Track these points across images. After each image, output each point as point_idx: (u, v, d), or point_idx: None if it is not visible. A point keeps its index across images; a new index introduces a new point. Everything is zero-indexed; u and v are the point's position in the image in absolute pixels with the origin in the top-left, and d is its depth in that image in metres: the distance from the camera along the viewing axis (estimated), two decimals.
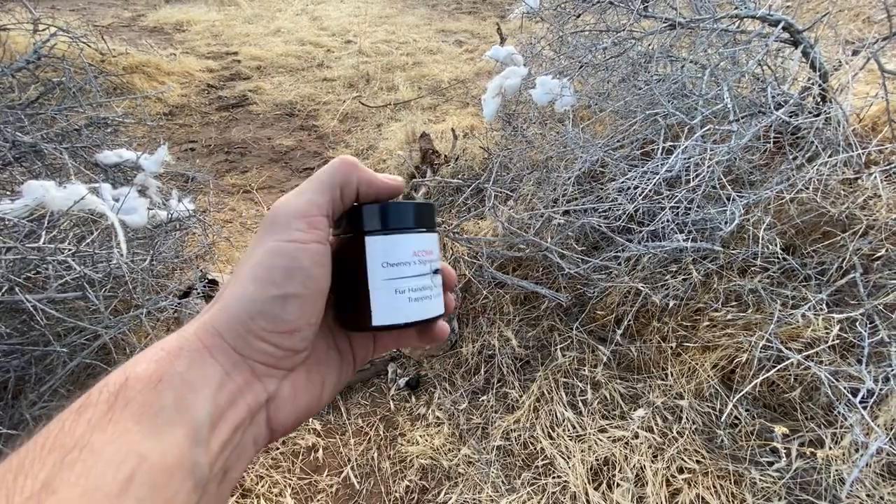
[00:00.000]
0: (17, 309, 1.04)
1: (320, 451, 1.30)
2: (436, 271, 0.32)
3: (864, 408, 1.01)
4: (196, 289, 1.43)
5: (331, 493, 1.21)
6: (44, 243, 0.92)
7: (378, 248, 0.30)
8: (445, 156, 2.39)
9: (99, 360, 1.09)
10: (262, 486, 1.20)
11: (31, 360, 1.05)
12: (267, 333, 0.25)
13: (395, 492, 1.20)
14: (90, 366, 1.10)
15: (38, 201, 0.83)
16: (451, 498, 1.16)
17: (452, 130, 2.55)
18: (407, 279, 0.30)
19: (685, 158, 1.15)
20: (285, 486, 1.21)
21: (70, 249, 0.94)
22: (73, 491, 0.18)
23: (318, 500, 1.20)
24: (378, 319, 0.29)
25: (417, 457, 1.26)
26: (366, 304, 0.29)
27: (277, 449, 1.30)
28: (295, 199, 0.27)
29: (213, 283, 1.52)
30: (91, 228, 1.12)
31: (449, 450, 1.27)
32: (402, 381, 1.46)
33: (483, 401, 1.36)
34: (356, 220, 0.30)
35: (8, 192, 1.13)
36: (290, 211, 0.26)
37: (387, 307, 0.29)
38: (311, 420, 1.37)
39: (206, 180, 2.33)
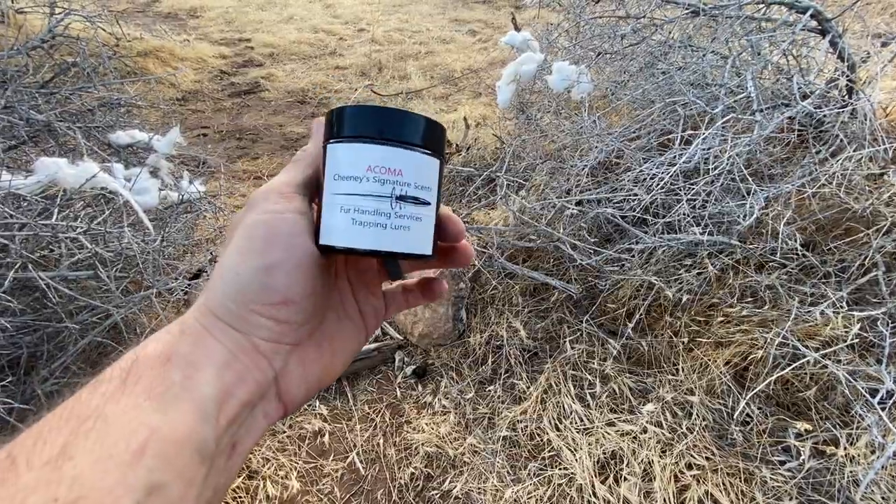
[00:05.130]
0: (31, 286, 1.04)
1: (326, 436, 1.30)
2: (413, 199, 0.27)
3: (883, 409, 0.98)
4: (206, 271, 1.43)
5: (336, 477, 1.22)
6: (56, 221, 0.92)
7: (331, 158, 0.27)
8: (457, 145, 2.37)
9: (110, 339, 1.10)
10: (268, 469, 1.21)
11: (43, 337, 1.06)
12: (259, 306, 0.26)
13: (400, 478, 1.20)
14: (101, 344, 1.11)
15: (51, 178, 0.84)
16: (455, 486, 1.16)
17: (465, 120, 2.52)
18: (353, 197, 0.26)
19: (704, 149, 1.12)
20: (291, 470, 1.22)
21: (82, 227, 0.94)
22: (88, 458, 0.19)
23: (324, 485, 1.20)
24: (322, 238, 0.27)
25: (423, 444, 1.25)
26: (319, 220, 0.27)
27: (284, 433, 1.31)
28: (271, 181, 0.29)
29: None
30: (103, 208, 1.12)
31: (455, 438, 1.26)
32: (409, 370, 1.46)
33: (490, 391, 1.36)
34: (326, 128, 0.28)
35: (23, 172, 1.13)
36: (264, 189, 0.28)
37: (330, 226, 0.26)
38: (317, 405, 1.37)
39: (218, 164, 2.34)
